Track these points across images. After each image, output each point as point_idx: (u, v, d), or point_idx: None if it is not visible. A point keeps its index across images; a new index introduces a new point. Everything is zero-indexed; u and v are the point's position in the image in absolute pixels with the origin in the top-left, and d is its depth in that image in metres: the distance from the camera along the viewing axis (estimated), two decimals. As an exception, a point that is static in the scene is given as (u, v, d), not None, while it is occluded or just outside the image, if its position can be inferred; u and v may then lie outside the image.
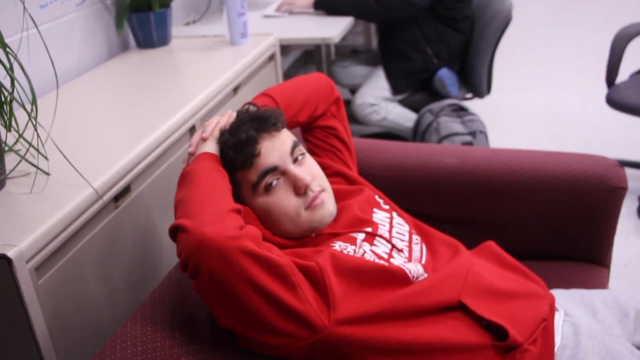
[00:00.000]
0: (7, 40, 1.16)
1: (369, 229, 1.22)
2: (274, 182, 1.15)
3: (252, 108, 1.22)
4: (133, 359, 0.89)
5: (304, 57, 4.17)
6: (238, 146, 1.14)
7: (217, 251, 0.94)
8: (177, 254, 0.97)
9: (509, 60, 4.36)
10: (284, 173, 1.16)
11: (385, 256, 1.18)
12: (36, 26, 1.26)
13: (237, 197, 1.17)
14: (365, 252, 1.16)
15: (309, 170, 1.19)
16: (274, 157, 1.15)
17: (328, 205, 1.19)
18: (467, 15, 2.82)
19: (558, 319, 1.18)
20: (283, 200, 1.15)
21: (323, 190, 1.19)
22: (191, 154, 1.19)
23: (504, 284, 1.18)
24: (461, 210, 1.55)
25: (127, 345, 0.91)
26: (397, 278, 1.12)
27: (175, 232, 0.99)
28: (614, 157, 1.50)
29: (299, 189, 1.15)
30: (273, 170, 1.15)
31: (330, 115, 1.44)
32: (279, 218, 1.16)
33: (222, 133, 1.19)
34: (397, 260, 1.18)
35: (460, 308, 1.11)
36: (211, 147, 1.17)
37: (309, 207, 1.16)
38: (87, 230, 1.19)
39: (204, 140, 1.20)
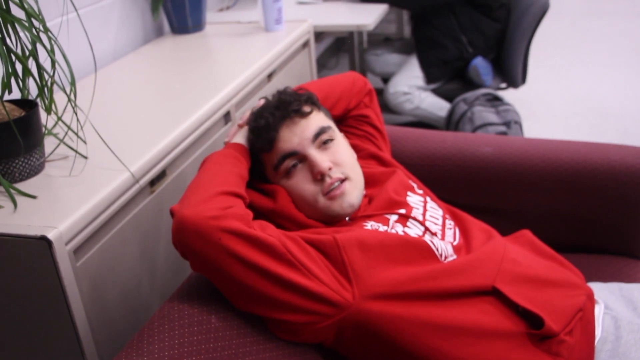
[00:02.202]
0: (47, 25, 1.17)
1: (402, 211, 1.22)
2: (295, 166, 1.18)
3: (285, 91, 1.26)
4: (170, 341, 0.90)
5: (336, 45, 4.15)
6: (257, 131, 1.20)
7: (196, 232, 0.96)
8: None
9: (545, 49, 4.29)
10: (304, 158, 1.18)
11: (417, 238, 1.17)
12: (76, 10, 1.27)
13: (265, 177, 1.23)
14: (397, 232, 1.16)
15: (333, 156, 1.20)
16: (293, 142, 1.18)
17: (349, 197, 1.18)
18: (503, 3, 2.78)
19: (598, 311, 1.16)
20: (301, 184, 1.18)
21: (346, 179, 1.19)
22: (226, 144, 1.25)
23: (539, 271, 1.16)
24: (497, 201, 1.53)
25: (165, 328, 0.92)
26: (422, 251, 1.11)
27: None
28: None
29: (315, 174, 1.17)
30: (292, 155, 1.18)
31: (363, 105, 1.47)
32: (299, 201, 1.18)
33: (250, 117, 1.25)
34: (426, 239, 1.16)
35: (494, 293, 1.09)
36: (241, 137, 1.23)
37: (328, 196, 1.16)
38: (123, 214, 1.20)
39: (239, 127, 1.26)
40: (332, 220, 1.19)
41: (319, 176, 1.16)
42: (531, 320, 1.07)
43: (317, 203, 1.17)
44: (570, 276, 1.19)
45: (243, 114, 1.28)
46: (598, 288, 1.24)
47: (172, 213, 1.02)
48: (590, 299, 1.17)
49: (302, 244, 1.04)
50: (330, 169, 1.17)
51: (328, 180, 1.16)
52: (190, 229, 0.97)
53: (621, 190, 1.42)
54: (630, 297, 1.21)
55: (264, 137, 1.19)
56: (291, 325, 1.03)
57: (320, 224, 1.18)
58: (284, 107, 1.20)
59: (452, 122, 2.63)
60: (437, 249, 1.13)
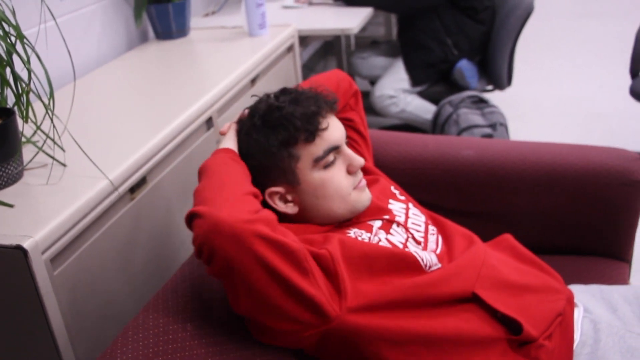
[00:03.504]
0: (27, 32, 1.17)
1: (386, 217, 1.22)
2: (335, 160, 1.16)
3: (305, 89, 1.21)
4: (145, 350, 0.90)
5: (324, 49, 4.16)
6: (306, 117, 1.13)
7: (232, 235, 0.93)
8: (193, 241, 0.97)
9: (531, 51, 4.30)
10: (340, 152, 1.18)
11: (400, 246, 1.17)
12: (54, 18, 1.26)
13: (291, 171, 1.15)
14: (380, 240, 1.16)
15: None
16: (338, 134, 1.17)
17: (368, 191, 1.22)
18: (488, 6, 2.78)
19: (577, 315, 1.16)
20: (338, 176, 1.16)
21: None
22: (222, 133, 1.22)
23: (519, 277, 1.16)
24: (479, 203, 1.53)
25: (139, 337, 0.92)
26: (408, 263, 1.11)
27: (191, 220, 0.98)
28: (639, 150, 1.47)
29: (354, 167, 1.17)
30: (337, 147, 1.16)
31: (348, 108, 1.45)
32: (331, 195, 1.16)
33: (276, 107, 1.15)
34: (411, 250, 1.17)
35: (474, 300, 1.10)
36: (229, 142, 1.18)
37: (357, 187, 1.19)
38: (102, 221, 1.19)
39: (221, 134, 1.22)
40: (346, 214, 1.19)
41: (356, 169, 1.18)
42: (510, 326, 1.08)
43: (350, 196, 1.18)
44: (550, 281, 1.20)
45: (228, 123, 1.24)
46: (578, 290, 1.25)
47: (196, 214, 0.96)
48: (570, 303, 1.17)
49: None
50: None
51: (360, 175, 1.20)
52: (226, 231, 0.93)
53: (602, 191, 1.43)
54: (610, 300, 1.21)
55: (314, 124, 1.13)
56: (277, 333, 1.03)
57: (315, 227, 1.18)
58: (325, 100, 1.17)
59: (437, 125, 2.64)
60: (422, 259, 1.14)
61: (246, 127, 1.18)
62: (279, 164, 1.14)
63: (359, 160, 1.18)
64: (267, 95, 1.21)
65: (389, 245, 1.16)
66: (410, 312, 1.06)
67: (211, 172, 1.08)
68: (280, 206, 1.17)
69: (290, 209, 1.17)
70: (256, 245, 0.94)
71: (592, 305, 1.20)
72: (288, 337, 1.04)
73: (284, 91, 1.20)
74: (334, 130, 1.16)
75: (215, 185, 1.04)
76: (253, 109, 1.19)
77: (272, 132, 1.14)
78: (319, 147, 1.14)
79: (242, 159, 1.17)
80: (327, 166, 1.15)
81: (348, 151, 1.18)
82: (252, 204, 1.01)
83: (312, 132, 1.13)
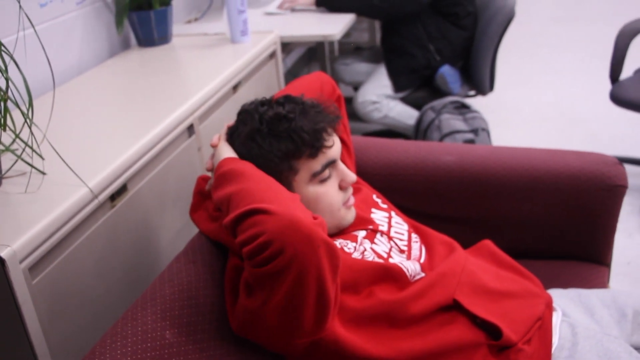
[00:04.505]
0: (7, 39, 1.16)
1: (370, 227, 1.23)
2: (330, 174, 1.17)
3: (305, 98, 1.20)
4: (123, 358, 0.89)
5: (308, 55, 4.16)
6: (314, 133, 1.13)
7: (307, 235, 0.91)
8: (252, 237, 0.92)
9: (513, 56, 4.34)
10: (334, 167, 1.18)
11: (385, 255, 1.18)
12: (32, 26, 1.26)
13: (288, 182, 1.14)
14: (365, 249, 1.17)
15: None
16: (336, 150, 1.17)
17: (353, 208, 1.23)
18: (470, 12, 2.81)
19: (556, 319, 1.17)
20: (331, 192, 1.17)
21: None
22: (213, 146, 1.20)
23: (498, 283, 1.18)
24: (460, 209, 1.54)
25: (117, 345, 0.91)
26: (395, 275, 1.12)
27: (244, 217, 0.95)
28: (618, 154, 1.49)
29: (346, 183, 1.18)
30: (333, 162, 1.17)
31: None
32: (322, 209, 1.16)
33: (284, 116, 1.13)
34: (396, 260, 1.17)
35: (455, 307, 1.10)
36: (230, 152, 1.16)
37: (346, 204, 1.20)
38: (82, 229, 1.19)
39: (213, 146, 1.19)
40: (336, 230, 1.21)
41: (348, 185, 1.19)
42: (490, 331, 1.09)
43: (339, 212, 1.19)
44: (529, 286, 1.21)
45: (217, 134, 1.22)
46: (557, 295, 1.26)
47: (263, 210, 0.93)
48: (549, 307, 1.18)
49: None
50: None
51: (350, 191, 1.20)
52: (304, 230, 0.91)
53: (581, 196, 1.44)
54: (588, 304, 1.23)
55: (321, 141, 1.13)
56: (271, 334, 1.02)
57: None
58: (331, 117, 1.17)
59: (420, 130, 2.65)
60: (408, 270, 1.14)
61: (249, 130, 1.15)
62: (277, 174, 1.12)
63: (352, 177, 1.18)
64: (269, 101, 1.18)
65: (373, 254, 1.16)
66: (394, 331, 1.07)
67: (246, 175, 1.05)
68: None
69: None
70: (321, 249, 0.93)
71: (570, 309, 1.21)
72: (280, 339, 1.02)
73: (288, 99, 1.18)
74: (335, 145, 1.17)
75: (262, 186, 1.02)
76: (260, 114, 1.15)
77: (277, 142, 1.12)
78: (318, 162, 1.14)
79: None
80: (322, 180, 1.16)
81: (342, 166, 1.18)
82: (306, 208, 1.00)
83: (317, 148, 1.13)
